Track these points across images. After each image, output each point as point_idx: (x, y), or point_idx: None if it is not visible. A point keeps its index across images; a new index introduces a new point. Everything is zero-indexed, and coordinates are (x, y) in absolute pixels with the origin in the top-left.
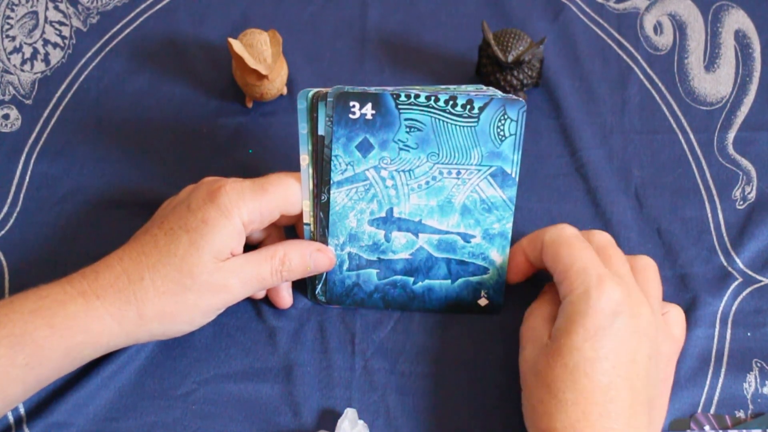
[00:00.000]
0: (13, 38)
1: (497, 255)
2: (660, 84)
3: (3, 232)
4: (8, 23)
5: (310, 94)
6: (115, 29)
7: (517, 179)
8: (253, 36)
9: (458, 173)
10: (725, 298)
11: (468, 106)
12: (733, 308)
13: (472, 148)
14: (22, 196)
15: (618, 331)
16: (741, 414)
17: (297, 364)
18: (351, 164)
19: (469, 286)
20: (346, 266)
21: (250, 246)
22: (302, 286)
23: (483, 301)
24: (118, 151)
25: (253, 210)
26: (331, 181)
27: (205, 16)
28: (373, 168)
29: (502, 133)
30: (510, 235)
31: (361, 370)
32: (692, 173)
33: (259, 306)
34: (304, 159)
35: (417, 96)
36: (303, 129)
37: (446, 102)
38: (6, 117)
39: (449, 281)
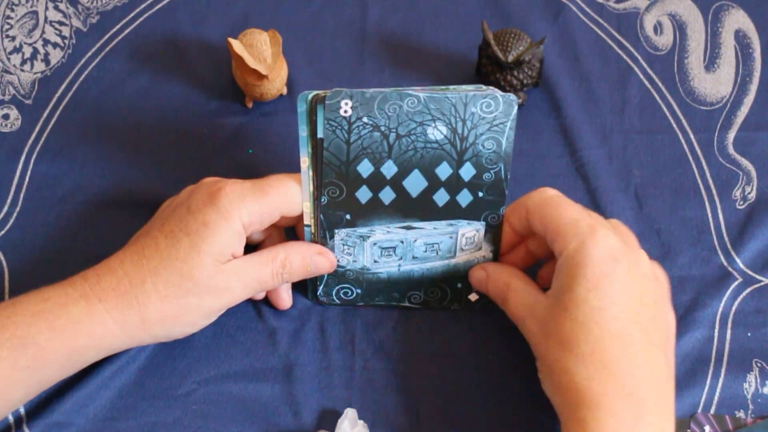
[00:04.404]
0: (13, 38)
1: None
2: (660, 84)
3: (3, 232)
4: (8, 23)
5: (310, 96)
6: (115, 29)
7: None
8: (253, 36)
9: None
10: (725, 299)
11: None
12: (733, 308)
13: None
14: (22, 196)
15: (621, 276)
16: (741, 414)
17: (297, 364)
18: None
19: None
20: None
21: (250, 246)
22: (302, 287)
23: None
24: (118, 151)
25: (254, 212)
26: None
27: (205, 16)
28: None
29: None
30: None
31: (361, 370)
32: (692, 173)
33: (260, 306)
34: (305, 161)
35: None
36: (303, 132)
37: None
38: (6, 117)
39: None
